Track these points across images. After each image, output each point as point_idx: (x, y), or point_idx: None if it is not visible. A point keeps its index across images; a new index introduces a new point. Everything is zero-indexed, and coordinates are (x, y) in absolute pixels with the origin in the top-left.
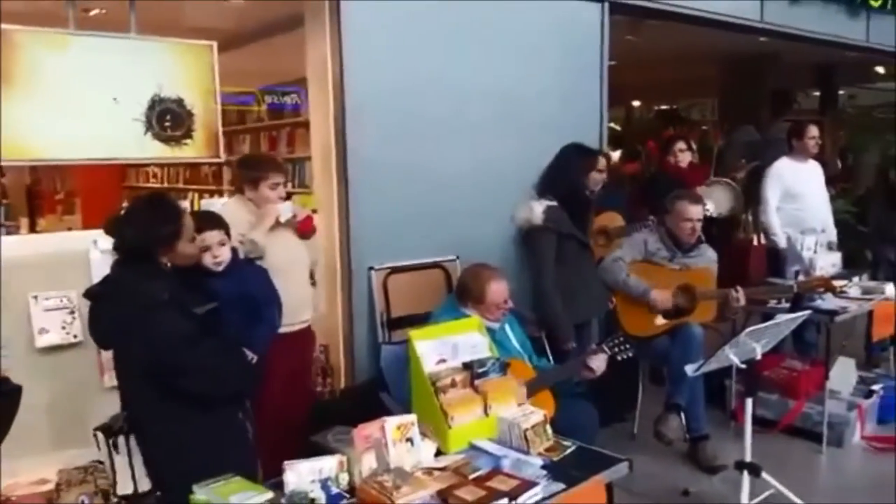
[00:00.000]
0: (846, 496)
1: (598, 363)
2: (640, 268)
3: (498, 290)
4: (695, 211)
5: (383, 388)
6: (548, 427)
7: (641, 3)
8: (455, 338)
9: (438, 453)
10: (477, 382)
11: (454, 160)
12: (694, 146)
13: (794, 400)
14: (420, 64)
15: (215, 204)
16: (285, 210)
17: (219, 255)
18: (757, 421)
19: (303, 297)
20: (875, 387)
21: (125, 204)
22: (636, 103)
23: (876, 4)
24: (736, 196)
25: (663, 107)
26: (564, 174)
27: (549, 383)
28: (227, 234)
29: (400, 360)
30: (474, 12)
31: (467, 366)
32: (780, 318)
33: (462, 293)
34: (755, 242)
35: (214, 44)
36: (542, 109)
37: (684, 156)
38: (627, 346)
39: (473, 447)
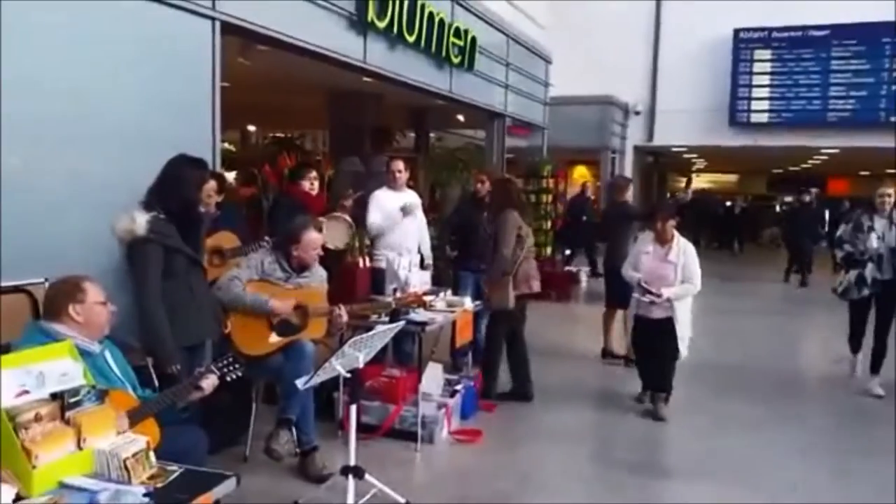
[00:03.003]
0: (438, 485)
1: (208, 384)
2: (257, 286)
3: (94, 289)
4: (321, 239)
5: None
6: (151, 454)
7: (252, 27)
8: (41, 365)
9: (20, 499)
10: (69, 414)
11: (44, 171)
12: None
13: (394, 405)
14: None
15: None
16: None
17: None
18: (362, 428)
19: None
20: (457, 387)
21: None
22: (251, 128)
23: (456, 62)
24: (350, 231)
25: (279, 134)
26: (175, 186)
27: (154, 410)
28: None
29: None
30: (73, 15)
31: (56, 396)
32: (378, 329)
33: (54, 306)
34: (361, 265)
35: None
36: (148, 123)
37: (316, 184)
38: (237, 365)
39: (64, 486)
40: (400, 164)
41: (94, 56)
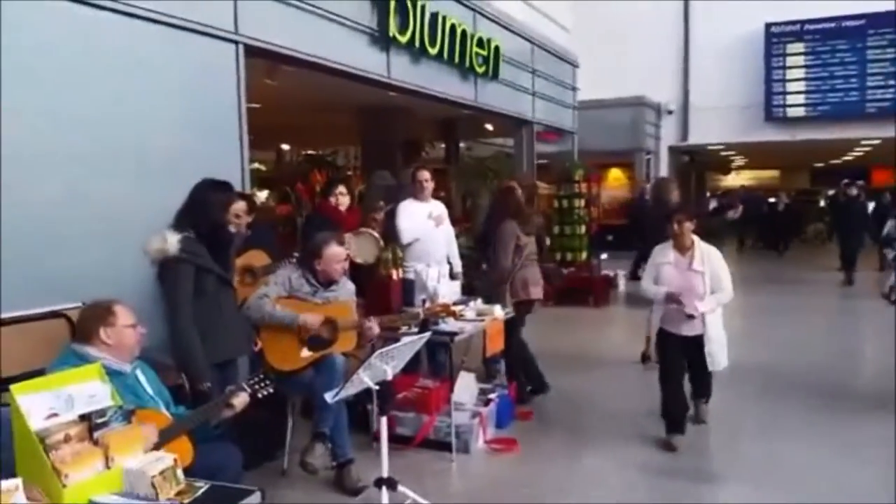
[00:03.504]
0: (473, 495)
1: (239, 402)
2: (286, 303)
3: (124, 312)
4: (343, 252)
5: None
6: (179, 471)
7: (275, 49)
8: (70, 388)
9: None
10: (97, 434)
11: (80, 197)
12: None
13: (427, 415)
14: (36, 93)
15: None
16: None
17: None
18: (396, 439)
19: None
20: (491, 396)
21: None
22: (285, 147)
23: (481, 71)
24: (378, 245)
25: (311, 151)
26: (202, 209)
27: (187, 428)
28: None
29: (8, 423)
30: (100, 42)
31: (84, 417)
32: (405, 340)
33: (85, 330)
34: (395, 277)
35: None
36: (178, 147)
37: (344, 199)
38: (268, 382)
39: None
40: (426, 174)
41: (121, 83)
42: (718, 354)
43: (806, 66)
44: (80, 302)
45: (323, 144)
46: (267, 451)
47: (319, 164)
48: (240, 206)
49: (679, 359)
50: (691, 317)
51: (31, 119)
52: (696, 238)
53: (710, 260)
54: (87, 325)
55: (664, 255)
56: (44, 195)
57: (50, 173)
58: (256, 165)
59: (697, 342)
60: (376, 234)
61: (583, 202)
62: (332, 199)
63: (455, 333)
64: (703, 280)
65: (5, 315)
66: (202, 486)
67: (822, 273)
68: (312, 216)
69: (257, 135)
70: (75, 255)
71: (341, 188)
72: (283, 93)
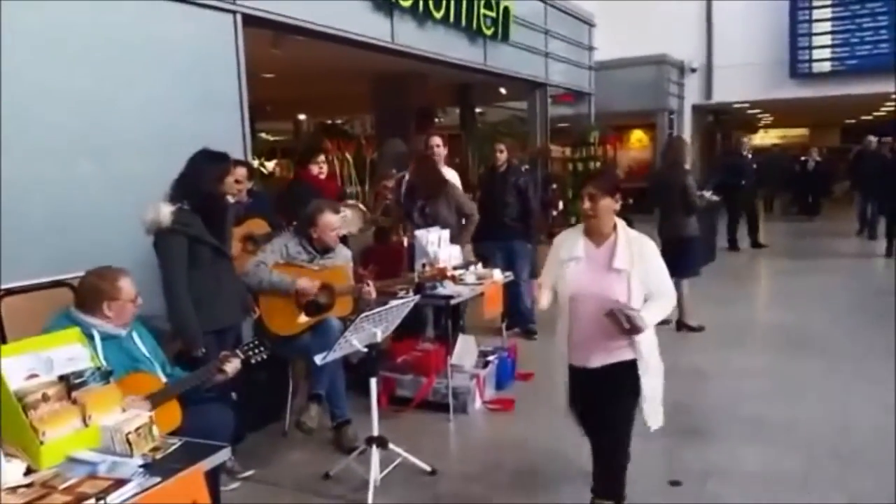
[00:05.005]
0: (470, 453)
1: (231, 367)
2: (284, 269)
3: (128, 286)
4: (337, 220)
5: None
6: (154, 428)
7: (274, 18)
8: (50, 351)
9: (32, 472)
10: (75, 394)
11: (82, 171)
12: (349, 158)
13: (426, 377)
14: (37, 71)
15: None
16: None
17: None
18: (397, 401)
19: None
20: (491, 357)
21: None
22: (302, 117)
23: (489, 33)
24: (364, 217)
25: (327, 121)
26: (197, 181)
27: (179, 391)
28: None
29: None
30: (97, 19)
31: (63, 378)
32: (392, 303)
33: (91, 297)
34: (406, 243)
35: None
36: (178, 119)
37: (325, 167)
38: (262, 349)
39: (71, 459)
40: (437, 140)
41: (121, 58)
42: (654, 402)
43: (833, 19)
44: (84, 272)
45: (339, 113)
46: (270, 412)
47: (334, 133)
48: (240, 171)
49: (594, 403)
50: (633, 332)
51: (36, 96)
52: (620, 223)
53: (641, 256)
54: (90, 296)
55: (572, 247)
56: (44, 170)
57: (56, 150)
58: (264, 135)
59: (622, 381)
60: (362, 206)
61: (597, 165)
62: (314, 168)
63: (450, 297)
64: (626, 284)
65: (11, 284)
66: (176, 442)
67: (861, 244)
68: (293, 184)
69: (275, 105)
70: (81, 226)
71: (320, 157)
72: (296, 62)
